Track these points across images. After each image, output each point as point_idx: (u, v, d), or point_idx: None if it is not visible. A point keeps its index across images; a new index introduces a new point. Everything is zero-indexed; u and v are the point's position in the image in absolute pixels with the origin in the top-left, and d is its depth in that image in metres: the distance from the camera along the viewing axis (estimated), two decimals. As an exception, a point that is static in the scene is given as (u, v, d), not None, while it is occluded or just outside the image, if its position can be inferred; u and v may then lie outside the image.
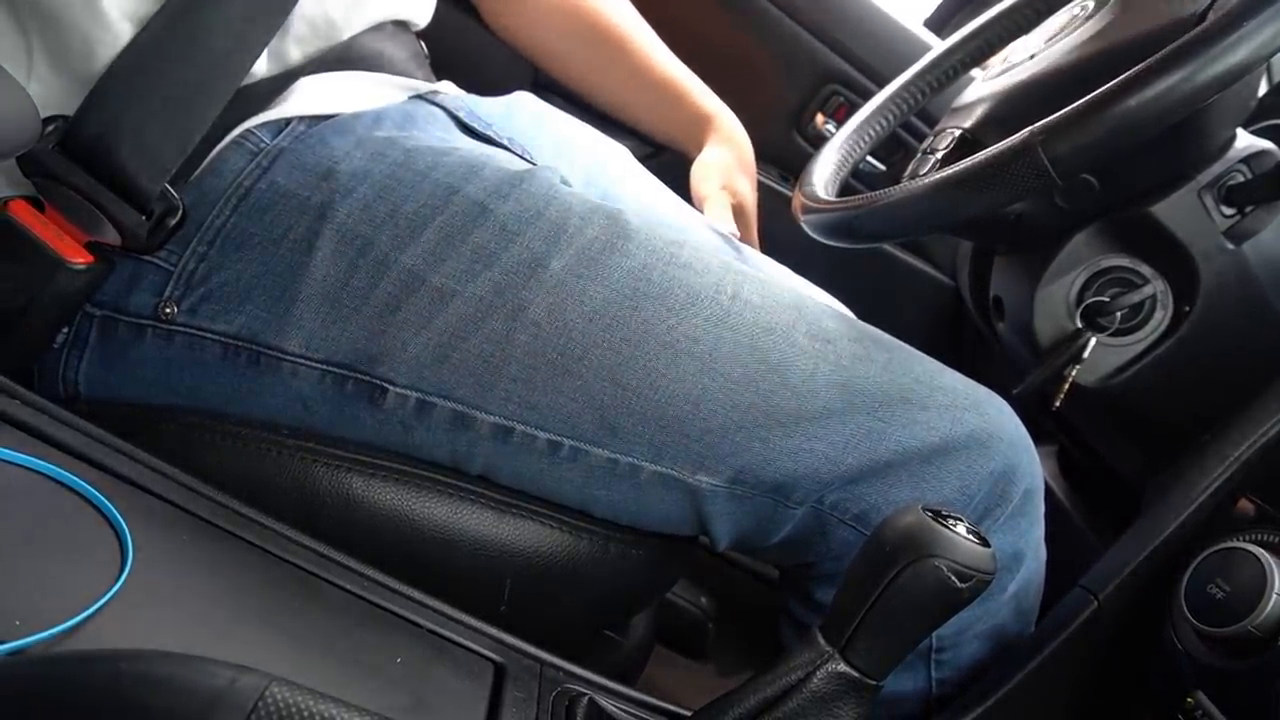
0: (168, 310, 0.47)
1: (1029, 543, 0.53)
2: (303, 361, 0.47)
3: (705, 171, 0.73)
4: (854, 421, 0.49)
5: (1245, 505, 0.51)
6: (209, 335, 0.47)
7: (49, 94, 0.47)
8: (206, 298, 0.47)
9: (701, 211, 0.70)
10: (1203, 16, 0.50)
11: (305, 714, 0.25)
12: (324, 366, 0.47)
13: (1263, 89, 0.69)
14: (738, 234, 0.68)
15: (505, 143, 0.60)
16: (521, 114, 0.67)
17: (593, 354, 0.47)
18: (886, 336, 0.54)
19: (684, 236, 0.53)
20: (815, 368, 0.49)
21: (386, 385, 0.47)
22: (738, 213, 0.72)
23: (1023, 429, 0.53)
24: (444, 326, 0.46)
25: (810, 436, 0.48)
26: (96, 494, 0.34)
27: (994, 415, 0.51)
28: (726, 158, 0.75)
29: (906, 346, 0.54)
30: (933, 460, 0.49)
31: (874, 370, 0.50)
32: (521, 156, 0.60)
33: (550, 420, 0.47)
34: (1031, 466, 0.53)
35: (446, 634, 0.40)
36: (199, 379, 0.48)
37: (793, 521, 0.50)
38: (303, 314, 0.47)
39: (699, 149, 0.76)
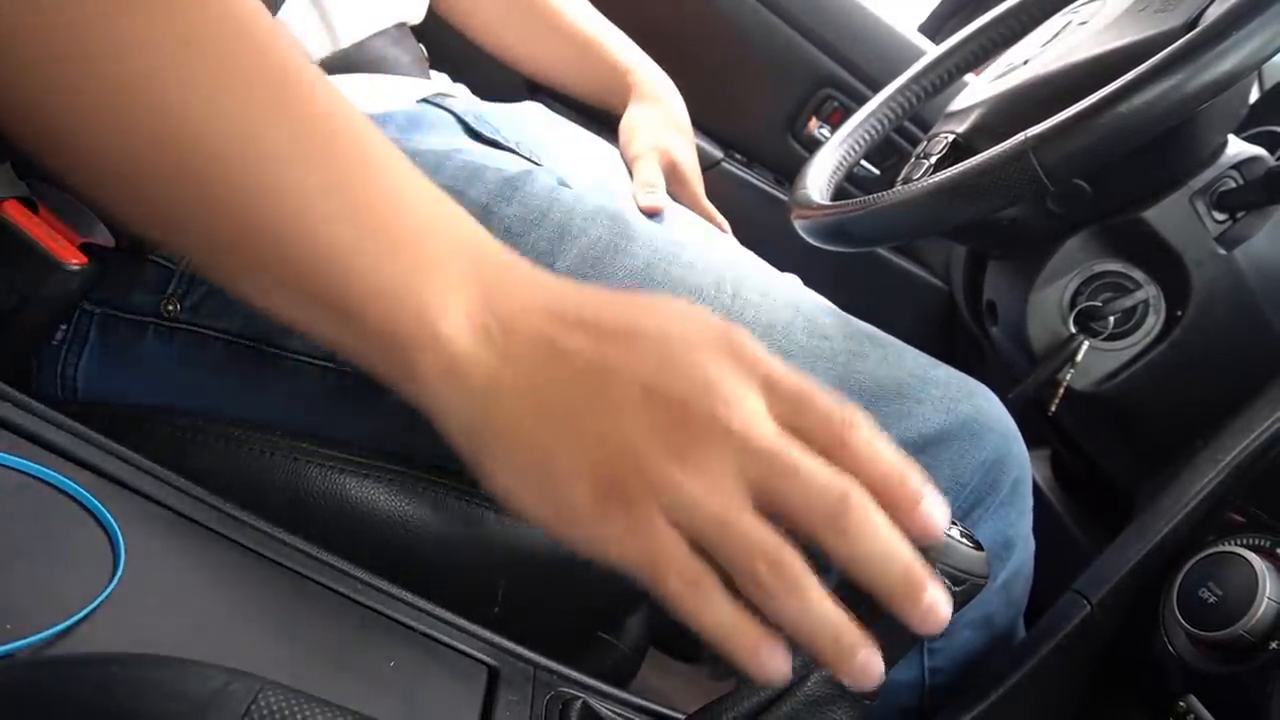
0: (170, 308, 0.47)
1: (1019, 531, 0.54)
2: (306, 357, 0.47)
3: (630, 131, 0.68)
4: None
5: (1237, 510, 0.51)
6: (211, 332, 0.47)
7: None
8: (210, 295, 0.47)
9: (631, 173, 0.64)
10: (1194, 24, 0.50)
11: (298, 718, 0.25)
12: (328, 362, 0.47)
13: (1254, 95, 0.69)
14: (656, 189, 0.62)
15: (513, 146, 0.60)
16: (531, 120, 0.67)
17: None
18: (879, 332, 0.55)
19: (686, 237, 0.54)
20: (813, 364, 0.50)
21: None
22: (671, 172, 0.67)
23: (1011, 420, 0.54)
24: None
25: None
26: (89, 496, 0.34)
27: (984, 406, 0.53)
28: (651, 115, 0.70)
29: (899, 342, 0.55)
30: (927, 450, 0.50)
31: (869, 365, 0.51)
32: (529, 159, 0.60)
33: None
34: (1020, 457, 0.54)
35: (439, 637, 0.40)
36: (199, 376, 0.48)
37: None
38: None
39: (624, 106, 0.71)
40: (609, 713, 0.40)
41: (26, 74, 0.28)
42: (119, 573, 0.32)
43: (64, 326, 0.48)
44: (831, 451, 0.30)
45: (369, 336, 0.31)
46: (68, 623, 0.29)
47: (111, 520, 0.34)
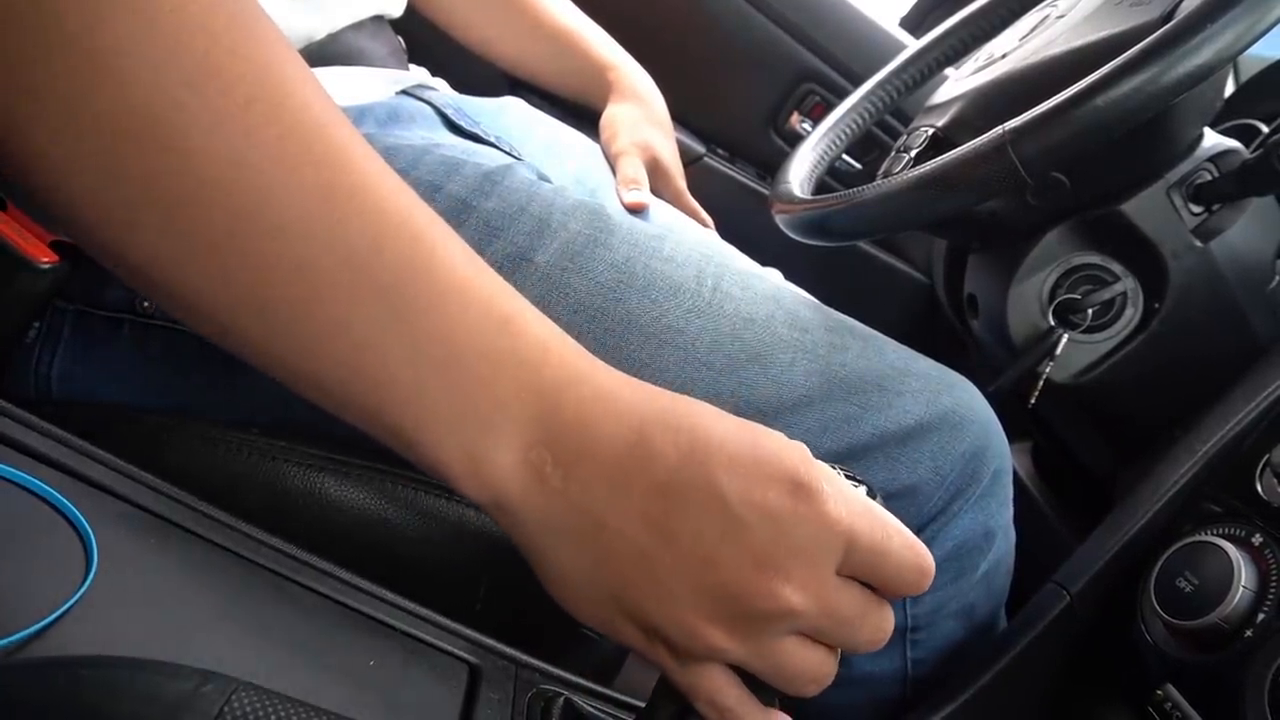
0: (145, 304, 0.47)
1: (999, 522, 0.54)
2: None
3: (612, 128, 0.69)
4: (831, 408, 0.49)
5: (1213, 499, 0.52)
6: (187, 329, 0.47)
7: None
8: None
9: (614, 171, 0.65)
10: (1169, 17, 0.51)
11: (272, 719, 0.25)
12: None
13: (1229, 89, 0.70)
14: (640, 186, 0.62)
15: (493, 140, 0.60)
16: (512, 114, 0.67)
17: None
18: (860, 325, 0.55)
19: (666, 231, 0.54)
20: (794, 357, 0.50)
21: None
22: (654, 168, 0.68)
23: (992, 412, 0.54)
24: None
25: (789, 424, 0.49)
26: (60, 498, 0.34)
27: (965, 398, 0.53)
28: (632, 112, 0.71)
29: (879, 335, 0.55)
30: (907, 442, 0.50)
31: (850, 358, 0.51)
32: (509, 154, 0.59)
33: None
34: (1001, 448, 0.54)
35: (420, 635, 0.39)
36: (175, 374, 0.47)
37: None
38: None
39: (604, 103, 0.72)
40: (591, 710, 0.40)
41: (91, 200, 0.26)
42: (91, 574, 0.31)
43: (36, 325, 0.47)
44: (891, 592, 0.31)
45: (420, 459, 0.30)
46: (38, 626, 0.28)
47: (84, 521, 0.33)
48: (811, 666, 0.30)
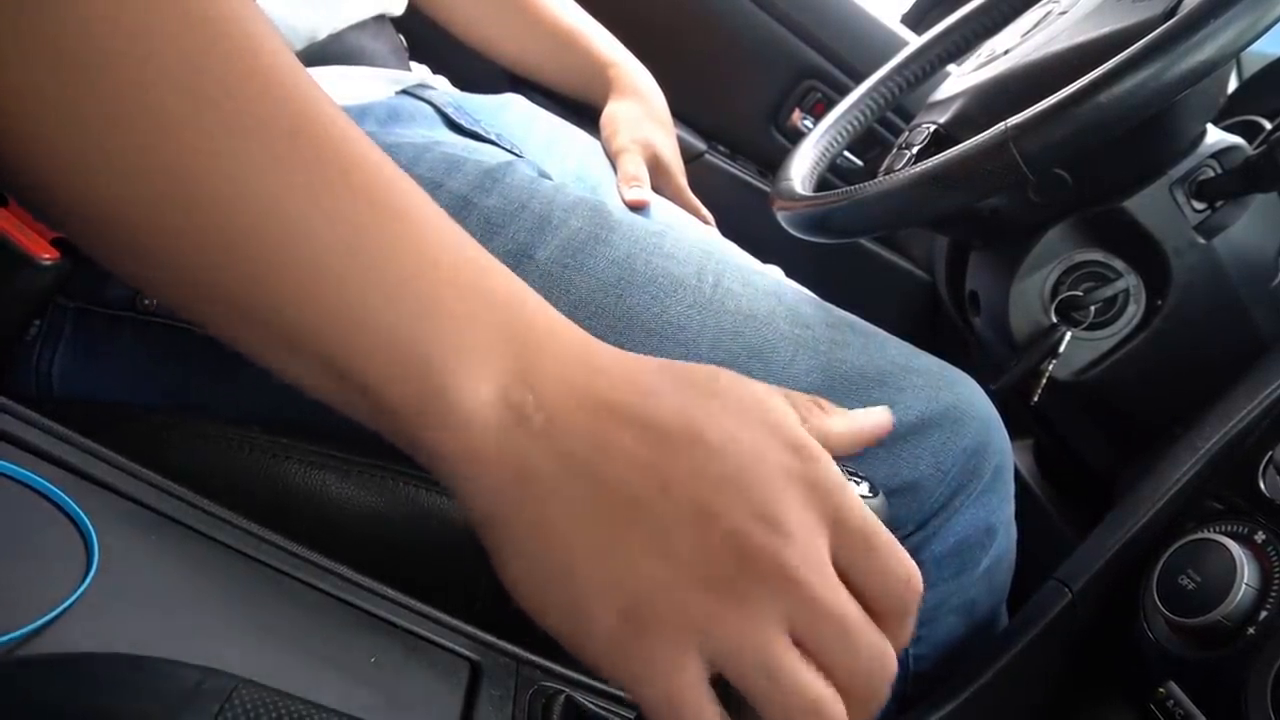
0: (146, 301, 0.47)
1: (1000, 518, 0.54)
2: None
3: (612, 125, 0.69)
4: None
5: (1215, 497, 0.52)
6: (189, 325, 0.47)
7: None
8: None
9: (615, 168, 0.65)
10: (1172, 13, 0.50)
11: (273, 716, 0.25)
12: None
13: (1232, 85, 0.70)
14: (641, 183, 0.62)
15: (493, 138, 0.60)
16: (512, 112, 0.67)
17: None
18: (861, 321, 0.55)
19: (666, 227, 0.54)
20: (795, 353, 0.50)
21: None
22: (655, 166, 0.68)
23: (993, 407, 0.54)
24: None
25: None
26: (61, 494, 0.34)
27: (966, 394, 0.53)
28: (633, 109, 0.71)
29: (881, 331, 0.55)
30: (909, 438, 0.50)
31: (851, 354, 0.51)
32: (510, 151, 0.59)
33: None
34: (1002, 444, 0.54)
35: (422, 633, 0.39)
36: (176, 371, 0.47)
37: None
38: None
39: (605, 100, 0.73)
40: (592, 706, 0.40)
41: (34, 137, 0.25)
42: (92, 571, 0.31)
43: (37, 322, 0.47)
44: (878, 603, 0.28)
45: (389, 411, 0.27)
46: (39, 622, 0.28)
47: (85, 518, 0.33)
48: (804, 683, 0.26)
